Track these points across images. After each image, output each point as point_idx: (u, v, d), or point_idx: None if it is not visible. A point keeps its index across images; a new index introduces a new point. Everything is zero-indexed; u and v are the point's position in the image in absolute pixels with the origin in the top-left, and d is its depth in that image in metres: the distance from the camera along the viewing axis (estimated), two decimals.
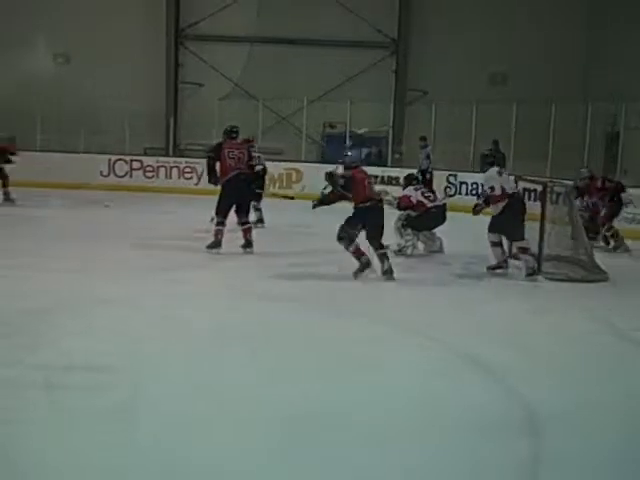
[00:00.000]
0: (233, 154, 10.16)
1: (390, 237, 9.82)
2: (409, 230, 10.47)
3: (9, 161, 14.57)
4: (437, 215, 10.60)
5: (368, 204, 8.58)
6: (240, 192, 10.14)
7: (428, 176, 16.74)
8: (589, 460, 4.11)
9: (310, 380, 5.18)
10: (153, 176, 19.06)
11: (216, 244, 9.90)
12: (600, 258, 9.62)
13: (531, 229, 9.43)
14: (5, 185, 14.60)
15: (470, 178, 16.79)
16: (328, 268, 9.00)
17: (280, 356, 5.67)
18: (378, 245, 8.64)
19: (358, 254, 8.56)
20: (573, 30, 20.40)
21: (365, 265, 8.54)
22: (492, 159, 9.60)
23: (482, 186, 10.15)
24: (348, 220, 8.54)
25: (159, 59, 21.79)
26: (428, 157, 17.58)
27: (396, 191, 11.54)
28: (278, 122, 21.00)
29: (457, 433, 4.39)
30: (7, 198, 14.57)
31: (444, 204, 10.95)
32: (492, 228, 9.17)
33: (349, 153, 10.27)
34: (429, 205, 10.57)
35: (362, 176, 8.84)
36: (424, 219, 10.47)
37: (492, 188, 9.07)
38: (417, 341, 6.30)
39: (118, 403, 4.60)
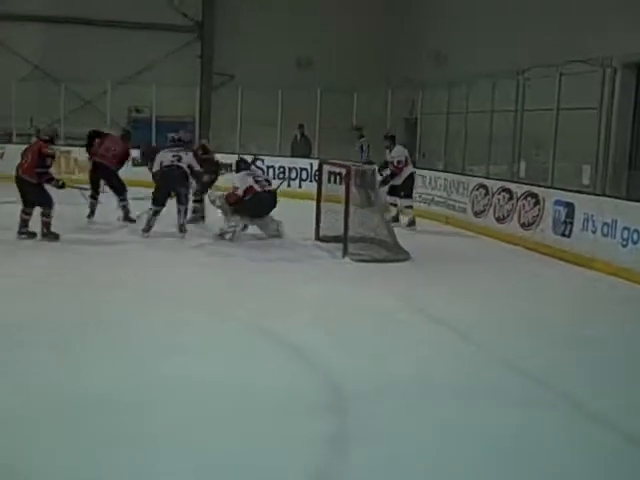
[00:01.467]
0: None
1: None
2: (236, 216, 10.50)
3: None
4: (268, 200, 10.67)
5: None
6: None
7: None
8: (395, 437, 4.34)
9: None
10: None
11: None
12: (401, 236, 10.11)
13: (335, 212, 9.79)
14: None
15: (276, 162, 17.03)
16: None
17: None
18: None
19: None
20: (376, 16, 21.10)
21: None
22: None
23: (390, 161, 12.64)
24: None
25: None
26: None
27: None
28: (82, 106, 20.32)
29: (266, 415, 4.50)
30: None
31: (275, 189, 11.05)
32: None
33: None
34: (259, 189, 10.60)
35: None
36: (252, 204, 10.47)
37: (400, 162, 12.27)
38: (224, 324, 6.38)
39: None
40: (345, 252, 9.54)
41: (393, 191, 12.64)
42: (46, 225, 9.98)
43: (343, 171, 10.21)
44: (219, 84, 21.43)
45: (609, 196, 10.43)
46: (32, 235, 10.00)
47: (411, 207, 12.80)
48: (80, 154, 17.58)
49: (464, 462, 4.00)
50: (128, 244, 10.25)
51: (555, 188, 11.09)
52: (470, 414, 4.64)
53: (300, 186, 16.57)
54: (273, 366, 5.35)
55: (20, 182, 10.01)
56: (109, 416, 4.32)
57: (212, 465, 3.85)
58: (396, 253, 9.70)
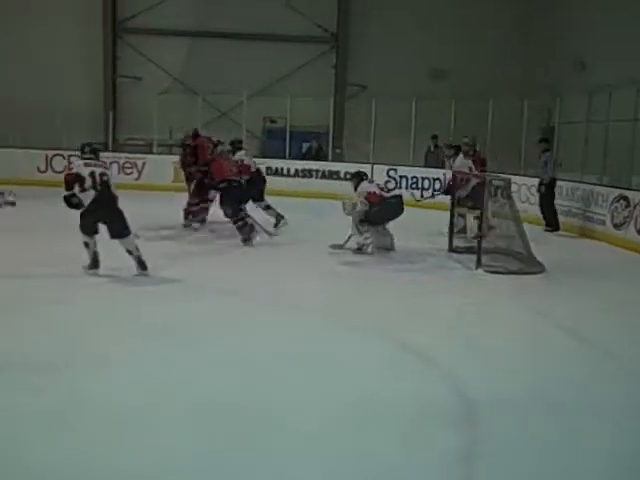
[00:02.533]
0: None
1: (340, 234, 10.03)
2: (367, 226, 10.13)
3: None
4: (395, 205, 10.29)
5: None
6: None
7: None
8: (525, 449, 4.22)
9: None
10: None
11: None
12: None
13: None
14: None
15: (409, 172, 16.99)
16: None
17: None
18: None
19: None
20: (512, 23, 20.70)
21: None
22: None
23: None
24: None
25: (96, 53, 21.47)
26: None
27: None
28: (218, 117, 20.88)
29: (399, 426, 4.45)
30: None
31: (400, 195, 10.77)
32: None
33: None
34: (386, 195, 10.36)
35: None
36: (382, 211, 10.14)
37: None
38: (365, 336, 6.37)
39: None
40: (479, 263, 9.35)
41: (460, 202, 11.72)
42: None
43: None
44: (352, 94, 21.53)
45: None
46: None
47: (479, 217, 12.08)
48: None
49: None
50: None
51: None
52: (611, 433, 4.46)
53: (433, 196, 16.41)
54: (410, 379, 5.30)
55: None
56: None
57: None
58: (531, 265, 9.44)
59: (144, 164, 18.47)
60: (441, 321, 6.93)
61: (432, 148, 17.92)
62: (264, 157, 17.66)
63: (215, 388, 4.91)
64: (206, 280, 8.27)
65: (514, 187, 11.58)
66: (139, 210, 9.57)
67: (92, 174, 8.02)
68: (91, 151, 8.53)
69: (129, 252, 8.20)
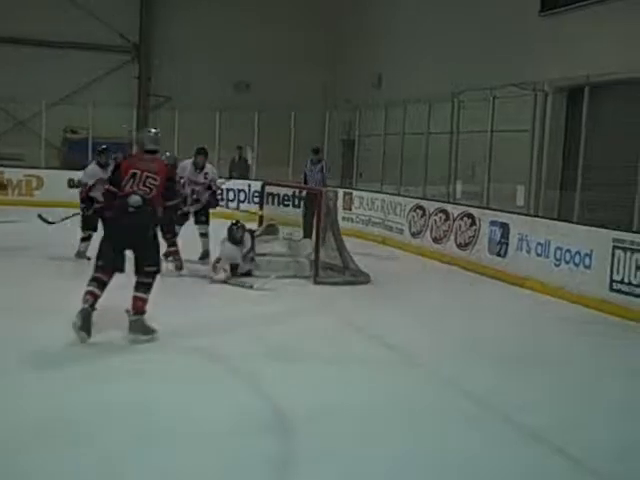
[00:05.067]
0: None
1: None
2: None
3: None
4: None
5: None
6: None
7: None
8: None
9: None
10: None
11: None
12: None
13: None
14: None
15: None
16: None
17: None
18: None
19: None
20: (315, 37, 21.19)
21: None
22: None
23: None
24: None
25: None
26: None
27: None
28: (15, 126, 20.02)
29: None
30: None
31: None
32: None
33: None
34: None
35: None
36: None
37: None
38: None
39: None
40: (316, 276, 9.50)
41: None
42: None
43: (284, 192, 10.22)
44: (157, 105, 21.33)
45: (542, 217, 10.68)
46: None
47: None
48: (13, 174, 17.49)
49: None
50: None
51: (491, 209, 11.33)
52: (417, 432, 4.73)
53: (238, 208, 16.57)
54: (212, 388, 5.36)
55: None
56: None
57: None
58: (357, 275, 9.73)
59: None
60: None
61: (237, 159, 18.09)
62: (66, 168, 17.12)
63: None
64: None
65: None
66: None
67: None
68: None
69: None
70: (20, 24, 20.12)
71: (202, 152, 10.42)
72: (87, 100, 19.28)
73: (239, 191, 16.82)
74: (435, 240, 12.30)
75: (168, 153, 10.04)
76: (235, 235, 9.41)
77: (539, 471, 4.27)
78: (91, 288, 6.23)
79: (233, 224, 9.50)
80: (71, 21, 20.40)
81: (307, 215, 11.73)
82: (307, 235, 11.09)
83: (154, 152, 6.67)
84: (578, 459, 4.42)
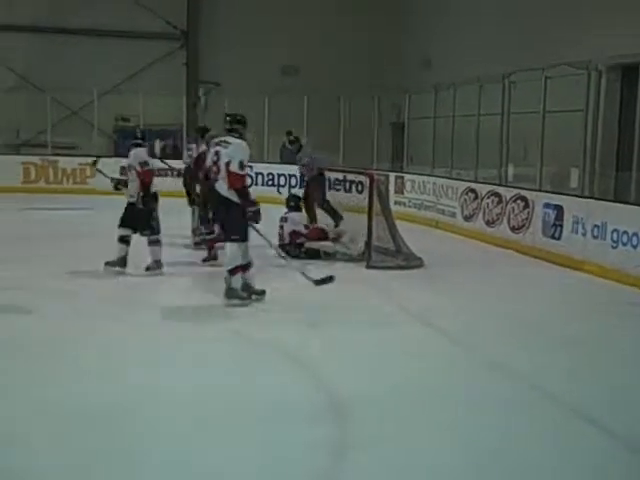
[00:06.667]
0: None
1: None
2: None
3: None
4: None
5: None
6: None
7: None
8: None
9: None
10: None
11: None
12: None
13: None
14: None
15: (265, 169, 17.11)
16: None
17: None
18: None
19: None
20: (364, 23, 21.07)
21: None
22: None
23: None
24: None
25: None
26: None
27: None
28: (68, 116, 20.28)
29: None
30: None
31: None
32: None
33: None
34: None
35: None
36: None
37: None
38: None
39: None
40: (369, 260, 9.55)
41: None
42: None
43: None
44: (205, 92, 21.42)
45: (598, 198, 10.51)
46: None
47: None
48: (66, 163, 17.80)
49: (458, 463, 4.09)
50: None
51: (544, 191, 11.19)
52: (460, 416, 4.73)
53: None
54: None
55: None
56: None
57: None
58: (411, 259, 9.74)
59: None
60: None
61: (287, 144, 18.08)
62: (116, 156, 17.31)
63: None
64: None
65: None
66: None
67: None
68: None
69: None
70: (71, 15, 20.48)
71: None
72: (137, 88, 19.45)
73: (290, 176, 16.83)
74: (488, 223, 12.20)
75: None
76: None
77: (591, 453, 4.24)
78: None
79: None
80: (120, 11, 20.62)
81: (308, 198, 11.79)
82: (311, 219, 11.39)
83: None
84: (623, 437, 4.42)
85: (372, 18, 21.08)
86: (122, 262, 8.66)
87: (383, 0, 21.05)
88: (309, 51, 20.80)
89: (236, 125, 7.38)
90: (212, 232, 9.24)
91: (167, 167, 12.98)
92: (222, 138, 7.38)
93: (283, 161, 17.49)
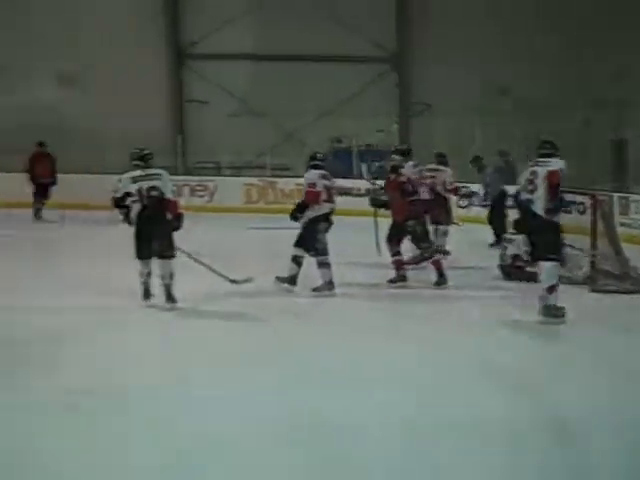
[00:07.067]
0: None
1: None
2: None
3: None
4: None
5: None
6: None
7: None
8: None
9: None
10: None
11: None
12: None
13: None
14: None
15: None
16: None
17: None
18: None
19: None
20: (572, 39, 20.49)
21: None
22: None
23: None
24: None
25: (161, 80, 21.86)
26: None
27: None
28: (285, 139, 21.20)
29: None
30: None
31: None
32: None
33: None
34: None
35: None
36: None
37: None
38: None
39: None
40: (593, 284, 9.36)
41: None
42: None
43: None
44: (417, 113, 21.62)
45: None
46: None
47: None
48: (284, 184, 18.58)
49: None
50: None
51: None
52: None
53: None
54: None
55: None
56: None
57: None
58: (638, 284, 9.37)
59: (215, 186, 18.86)
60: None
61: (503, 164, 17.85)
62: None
63: None
64: None
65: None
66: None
67: (139, 190, 7.94)
68: (139, 158, 8.26)
69: (161, 278, 7.98)
70: (285, 43, 21.31)
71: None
72: (348, 110, 19.97)
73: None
74: None
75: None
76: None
77: None
78: None
79: None
80: (332, 36, 21.15)
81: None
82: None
83: None
84: None
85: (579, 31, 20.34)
86: (291, 280, 8.89)
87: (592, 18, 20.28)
88: (518, 68, 20.37)
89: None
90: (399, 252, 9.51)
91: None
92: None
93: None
